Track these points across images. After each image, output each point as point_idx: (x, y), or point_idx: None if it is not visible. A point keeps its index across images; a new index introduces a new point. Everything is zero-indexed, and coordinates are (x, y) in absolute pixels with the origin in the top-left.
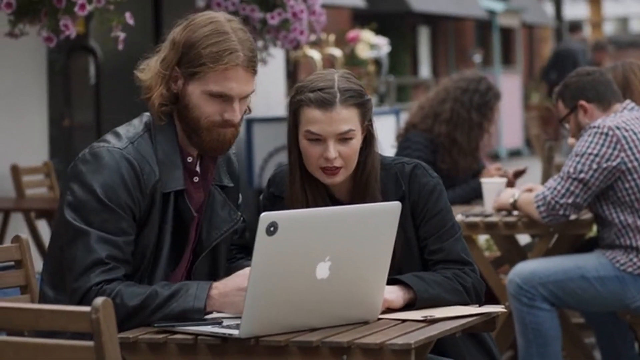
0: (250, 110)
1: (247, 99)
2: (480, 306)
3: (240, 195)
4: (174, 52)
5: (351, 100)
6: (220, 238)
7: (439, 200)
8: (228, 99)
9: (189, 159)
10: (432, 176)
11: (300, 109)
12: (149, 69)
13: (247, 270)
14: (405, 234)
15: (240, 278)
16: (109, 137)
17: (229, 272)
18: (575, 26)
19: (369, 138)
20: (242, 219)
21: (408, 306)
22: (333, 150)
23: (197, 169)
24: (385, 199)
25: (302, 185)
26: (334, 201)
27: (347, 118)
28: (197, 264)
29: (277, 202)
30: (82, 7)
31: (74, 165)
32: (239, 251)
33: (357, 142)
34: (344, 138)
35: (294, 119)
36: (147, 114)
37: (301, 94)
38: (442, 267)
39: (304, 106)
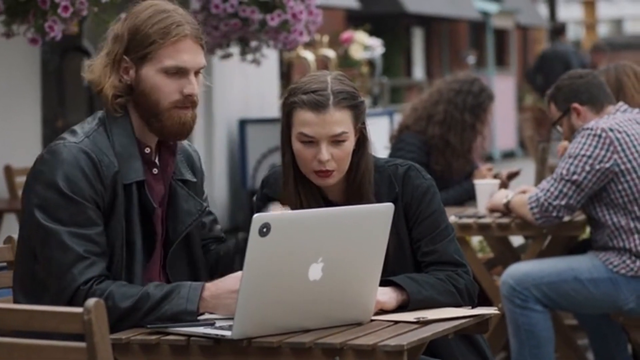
0: (197, 103)
1: (200, 75)
2: (473, 308)
3: (205, 190)
4: (118, 43)
5: (344, 103)
6: (187, 230)
7: (432, 201)
8: (184, 73)
9: (147, 150)
10: (425, 178)
11: (294, 110)
12: (95, 67)
13: (239, 272)
14: (398, 235)
15: (232, 279)
16: (65, 134)
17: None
18: (560, 29)
19: (362, 140)
20: (207, 209)
21: (401, 308)
22: (326, 152)
23: (156, 160)
24: (379, 200)
25: (296, 187)
26: (328, 203)
27: (340, 120)
28: (170, 259)
29: (270, 203)
30: (66, 8)
31: (34, 167)
32: (216, 245)
33: (350, 144)
34: (336, 140)
35: (287, 120)
36: (101, 111)
37: (294, 96)
38: (435, 269)
39: (297, 108)
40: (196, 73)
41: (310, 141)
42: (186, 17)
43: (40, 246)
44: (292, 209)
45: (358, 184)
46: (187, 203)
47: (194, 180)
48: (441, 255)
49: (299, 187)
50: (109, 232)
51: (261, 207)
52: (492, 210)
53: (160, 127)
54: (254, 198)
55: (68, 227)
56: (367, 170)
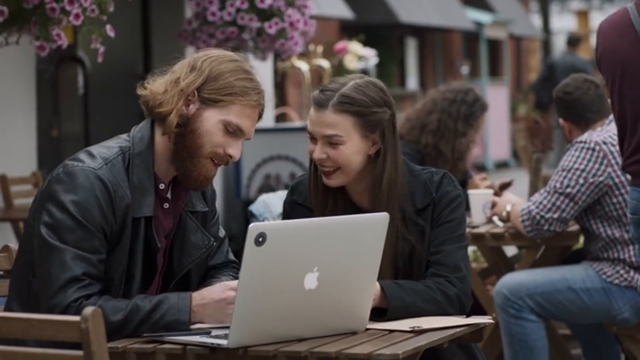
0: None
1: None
2: (467, 317)
3: (216, 213)
4: (196, 76)
5: (344, 107)
6: (192, 264)
7: (456, 210)
8: (238, 135)
9: (161, 186)
10: (457, 187)
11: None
12: (158, 84)
13: (225, 283)
14: (423, 238)
15: (217, 289)
16: (83, 156)
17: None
18: (576, 39)
19: (382, 150)
20: (214, 244)
21: (380, 311)
22: (319, 150)
23: (168, 195)
24: (414, 204)
25: (325, 190)
26: (355, 208)
27: (333, 123)
28: (169, 291)
29: (298, 209)
30: (77, 16)
31: (49, 185)
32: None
33: (347, 149)
34: (330, 142)
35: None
36: (123, 136)
37: (315, 92)
38: (434, 271)
39: (312, 104)
40: (246, 139)
41: (313, 137)
42: (262, 87)
43: (40, 261)
44: (320, 210)
45: (384, 193)
46: (195, 236)
47: (206, 209)
48: (445, 256)
49: (329, 190)
50: (111, 262)
51: (288, 211)
52: (493, 215)
53: (189, 169)
54: (283, 202)
55: (72, 249)
56: (392, 180)
